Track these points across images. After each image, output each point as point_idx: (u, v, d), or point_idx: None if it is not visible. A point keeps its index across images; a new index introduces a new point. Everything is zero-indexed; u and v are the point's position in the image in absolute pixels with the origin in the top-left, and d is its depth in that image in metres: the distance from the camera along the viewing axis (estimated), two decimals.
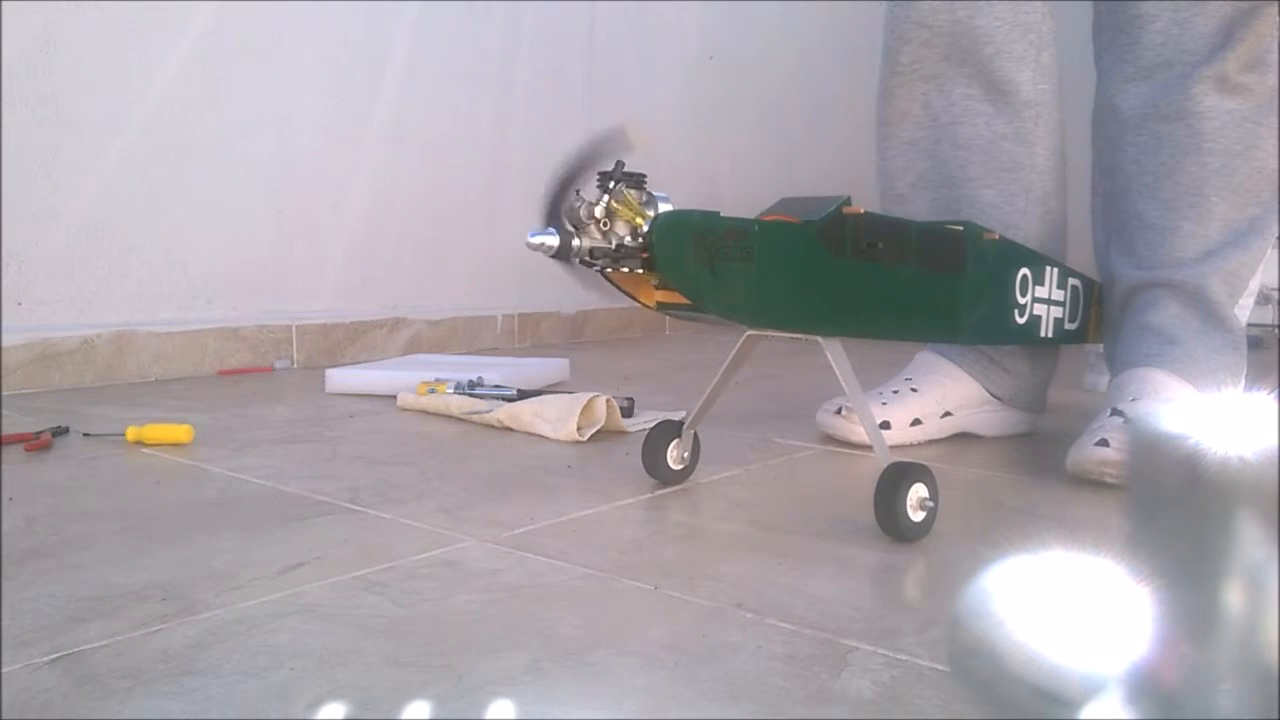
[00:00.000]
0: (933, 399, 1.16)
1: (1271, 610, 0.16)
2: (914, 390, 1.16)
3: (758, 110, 2.83)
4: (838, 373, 0.78)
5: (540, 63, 2.18)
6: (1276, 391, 0.19)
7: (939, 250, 0.85)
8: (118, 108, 1.52)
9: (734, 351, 0.86)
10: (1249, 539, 0.16)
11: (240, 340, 1.66)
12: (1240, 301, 1.12)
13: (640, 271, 0.70)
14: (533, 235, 0.68)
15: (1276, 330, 2.56)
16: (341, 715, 0.46)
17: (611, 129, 0.68)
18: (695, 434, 0.92)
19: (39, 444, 1.02)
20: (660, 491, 0.89)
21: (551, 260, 0.69)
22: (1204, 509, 0.16)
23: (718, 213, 0.71)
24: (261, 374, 1.65)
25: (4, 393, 1.36)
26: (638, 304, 0.75)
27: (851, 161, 2.13)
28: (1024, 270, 0.98)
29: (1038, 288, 1.00)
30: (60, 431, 1.09)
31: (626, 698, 0.48)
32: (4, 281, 1.41)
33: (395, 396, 1.34)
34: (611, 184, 0.68)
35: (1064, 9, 1.20)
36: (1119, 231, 1.16)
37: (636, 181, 0.69)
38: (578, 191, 0.70)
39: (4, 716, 0.45)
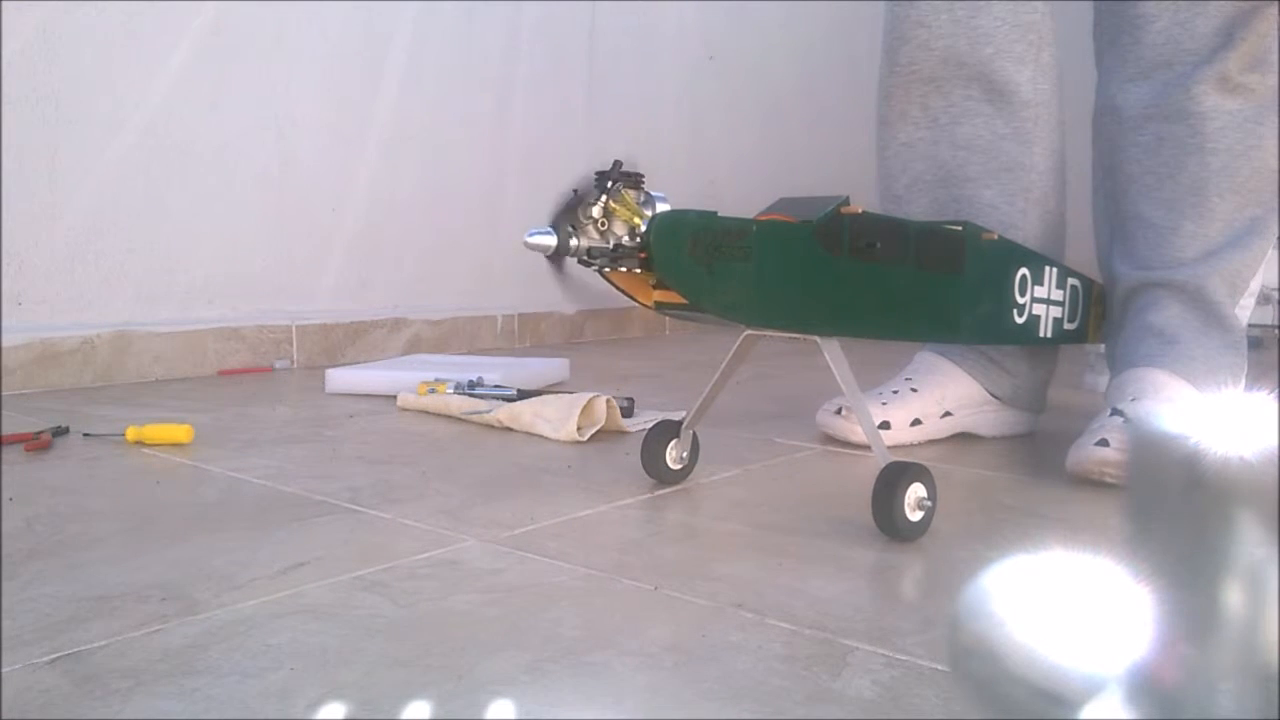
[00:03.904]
0: (933, 399, 1.16)
1: (1271, 610, 0.16)
2: (914, 390, 1.16)
3: (758, 110, 2.83)
4: (835, 373, 0.77)
5: (540, 63, 2.18)
6: (1276, 391, 0.19)
7: (937, 250, 0.85)
8: (118, 108, 1.52)
9: (732, 351, 0.85)
10: (1249, 539, 0.16)
11: (240, 340, 1.66)
12: (1240, 301, 1.12)
13: (638, 271, 0.70)
14: (530, 235, 0.68)
15: (1276, 330, 2.56)
16: (341, 715, 0.46)
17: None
18: (694, 434, 0.92)
19: (39, 444, 1.02)
20: (660, 491, 0.89)
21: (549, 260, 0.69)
22: (1204, 509, 0.16)
23: (715, 212, 0.71)
24: (261, 374, 1.64)
25: (4, 393, 1.36)
26: (636, 303, 0.75)
27: (851, 161, 2.13)
28: (1023, 270, 0.98)
29: (1037, 287, 1.00)
30: (60, 431, 1.09)
31: (626, 698, 0.48)
32: (4, 281, 1.41)
33: (395, 396, 1.34)
34: (609, 184, 0.68)
35: (1064, 9, 1.20)
36: (1120, 231, 1.16)
37: (634, 181, 0.69)
38: (575, 190, 0.70)
39: (4, 716, 0.45)
